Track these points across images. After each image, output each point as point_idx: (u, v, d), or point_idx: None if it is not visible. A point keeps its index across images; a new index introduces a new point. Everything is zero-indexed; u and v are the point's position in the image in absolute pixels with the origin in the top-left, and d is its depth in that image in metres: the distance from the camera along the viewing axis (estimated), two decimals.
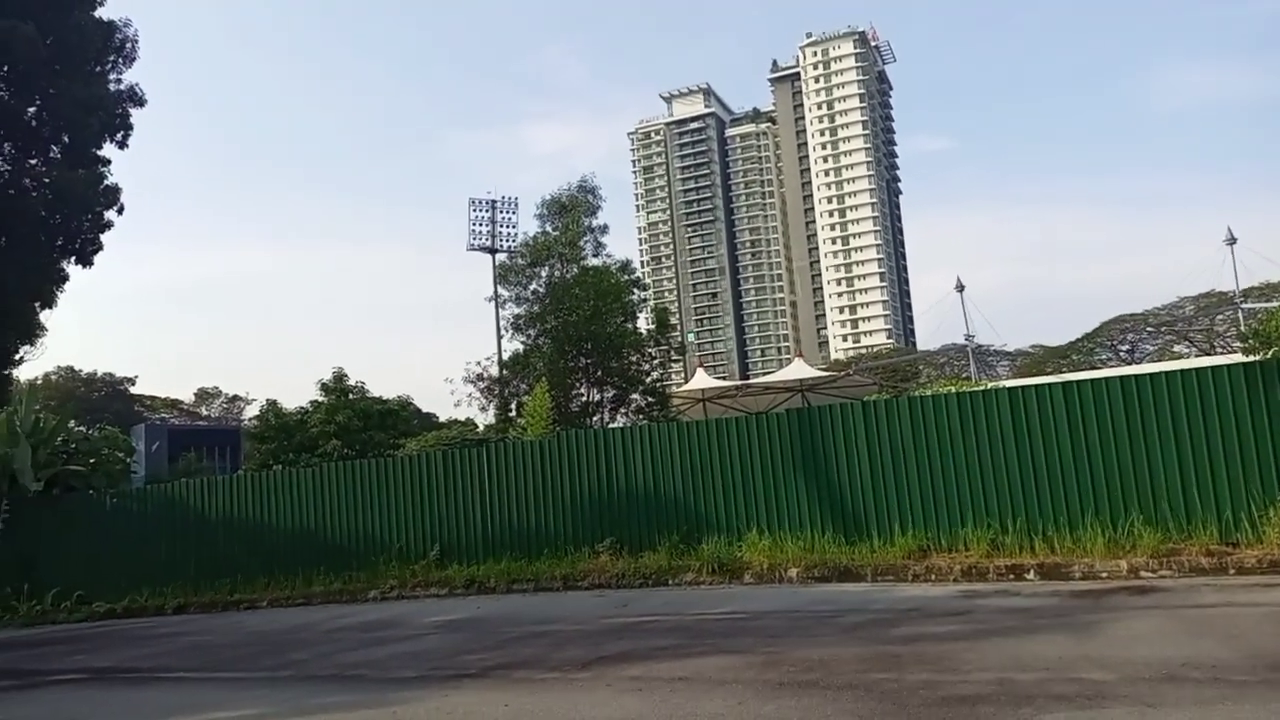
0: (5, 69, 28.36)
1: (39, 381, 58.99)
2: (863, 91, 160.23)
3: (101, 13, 32.33)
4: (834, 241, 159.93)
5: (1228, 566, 9.96)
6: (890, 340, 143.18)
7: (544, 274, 30.16)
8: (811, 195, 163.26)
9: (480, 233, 37.94)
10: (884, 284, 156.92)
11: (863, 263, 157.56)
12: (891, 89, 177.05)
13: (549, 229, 30.80)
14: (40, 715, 7.83)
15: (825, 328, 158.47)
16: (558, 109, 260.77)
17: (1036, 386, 12.49)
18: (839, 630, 8.30)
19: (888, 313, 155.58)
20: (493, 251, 36.61)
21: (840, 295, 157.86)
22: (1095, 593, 9.39)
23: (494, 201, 38.37)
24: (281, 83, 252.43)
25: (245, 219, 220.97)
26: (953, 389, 15.94)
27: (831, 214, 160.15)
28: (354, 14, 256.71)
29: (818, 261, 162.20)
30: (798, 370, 34.61)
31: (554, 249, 29.84)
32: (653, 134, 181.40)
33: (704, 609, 10.30)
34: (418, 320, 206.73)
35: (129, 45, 32.92)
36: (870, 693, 5.78)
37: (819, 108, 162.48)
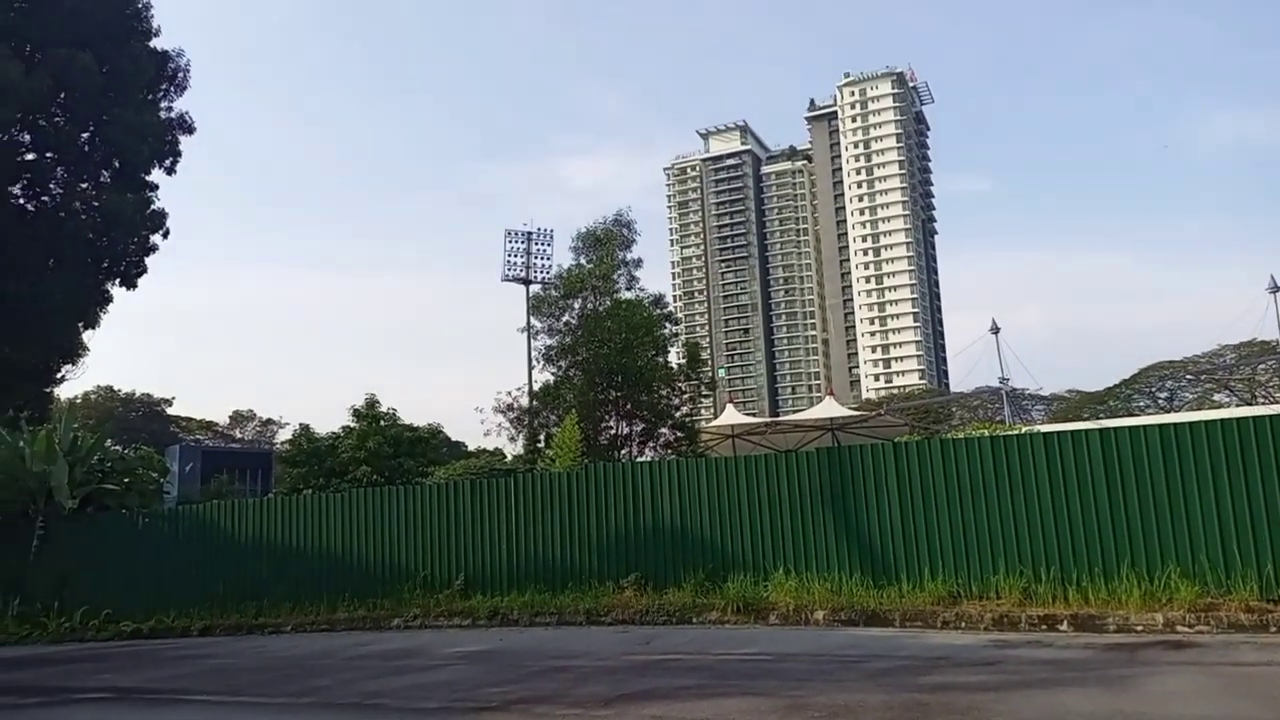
0: (62, 96, 29.34)
1: (78, 400, 60.19)
2: (900, 131, 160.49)
3: (156, 43, 33.41)
4: (868, 280, 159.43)
5: (1269, 624, 9.66)
6: (923, 381, 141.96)
7: (577, 306, 30.37)
8: (846, 234, 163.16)
9: (515, 264, 38.33)
10: (917, 324, 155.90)
11: (896, 302, 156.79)
12: (929, 129, 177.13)
13: (583, 261, 31.07)
14: None
15: (857, 366, 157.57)
16: (595, 143, 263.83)
17: (1073, 432, 12.27)
18: (865, 676, 8.14)
19: (920, 353, 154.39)
20: (527, 283, 36.93)
21: (873, 334, 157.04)
22: (1130, 646, 9.15)
23: (529, 233, 38.79)
24: (324, 114, 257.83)
25: (283, 246, 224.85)
26: (986, 432, 15.75)
27: (866, 253, 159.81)
28: (397, 46, 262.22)
29: (851, 300, 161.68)
30: (828, 409, 34.39)
31: (588, 281, 30.04)
32: (689, 170, 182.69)
33: (728, 649, 10.17)
34: (450, 349, 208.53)
35: (181, 74, 33.99)
36: None
37: (855, 146, 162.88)
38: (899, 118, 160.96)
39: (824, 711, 6.57)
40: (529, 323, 31.80)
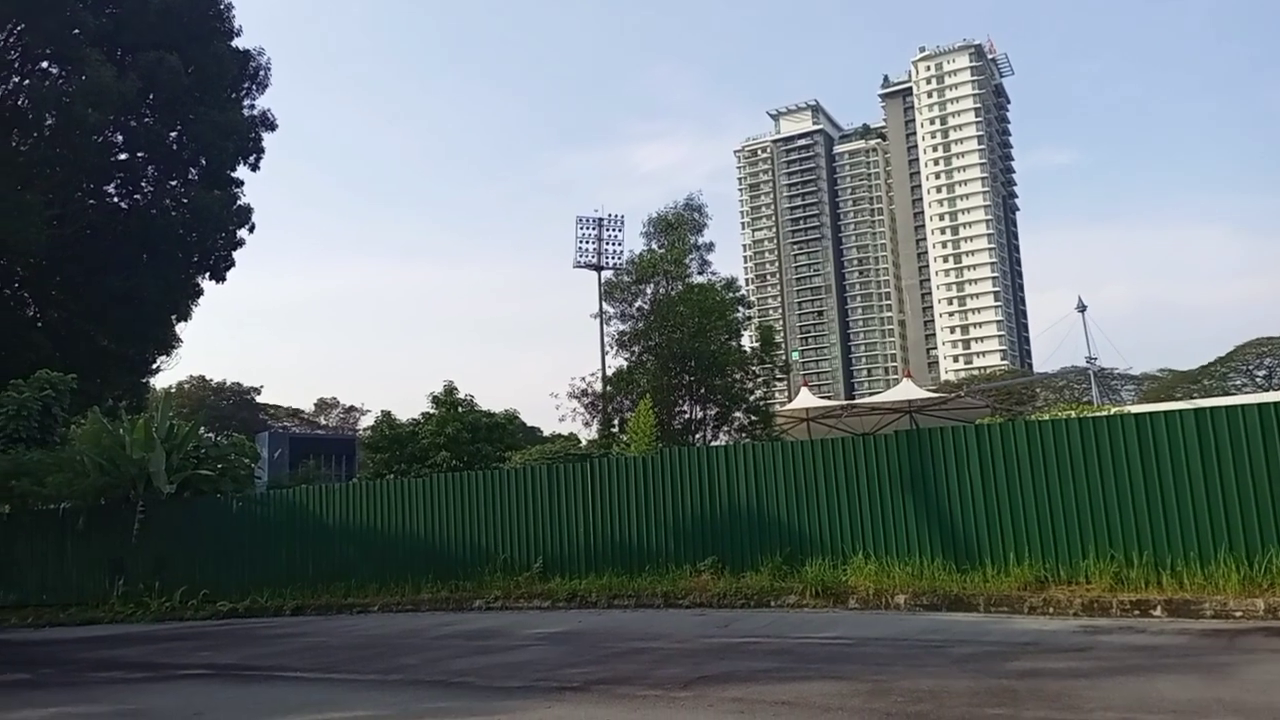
0: (151, 97, 30.52)
1: (173, 390, 62.69)
2: (978, 106, 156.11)
3: (237, 42, 34.47)
4: (946, 260, 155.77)
5: None
6: (1004, 362, 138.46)
7: (649, 291, 30.40)
8: (923, 212, 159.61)
9: (587, 250, 38.49)
10: (998, 303, 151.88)
11: (976, 281, 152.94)
12: (1009, 103, 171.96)
13: (655, 247, 31.07)
14: (171, 706, 8.26)
15: (935, 348, 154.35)
16: (665, 128, 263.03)
17: (1165, 412, 11.82)
18: (950, 661, 8.02)
19: (1002, 333, 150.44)
20: (598, 269, 37.07)
21: (951, 315, 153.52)
22: (1228, 633, 8.82)
23: (600, 219, 38.91)
24: (399, 107, 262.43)
25: (362, 238, 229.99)
26: (1073, 413, 15.28)
27: (944, 231, 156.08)
28: (471, 37, 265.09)
29: (928, 280, 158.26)
30: (906, 391, 33.77)
31: (659, 266, 30.04)
32: (759, 151, 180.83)
33: (807, 633, 10.12)
34: (524, 336, 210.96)
35: (262, 73, 35.05)
36: None
37: (932, 123, 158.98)
38: (977, 91, 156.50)
39: (908, 696, 6.50)
40: (601, 309, 31.96)
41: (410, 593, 16.07)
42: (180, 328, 36.13)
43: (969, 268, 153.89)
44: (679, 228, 30.85)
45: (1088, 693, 6.40)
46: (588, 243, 38.55)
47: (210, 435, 24.02)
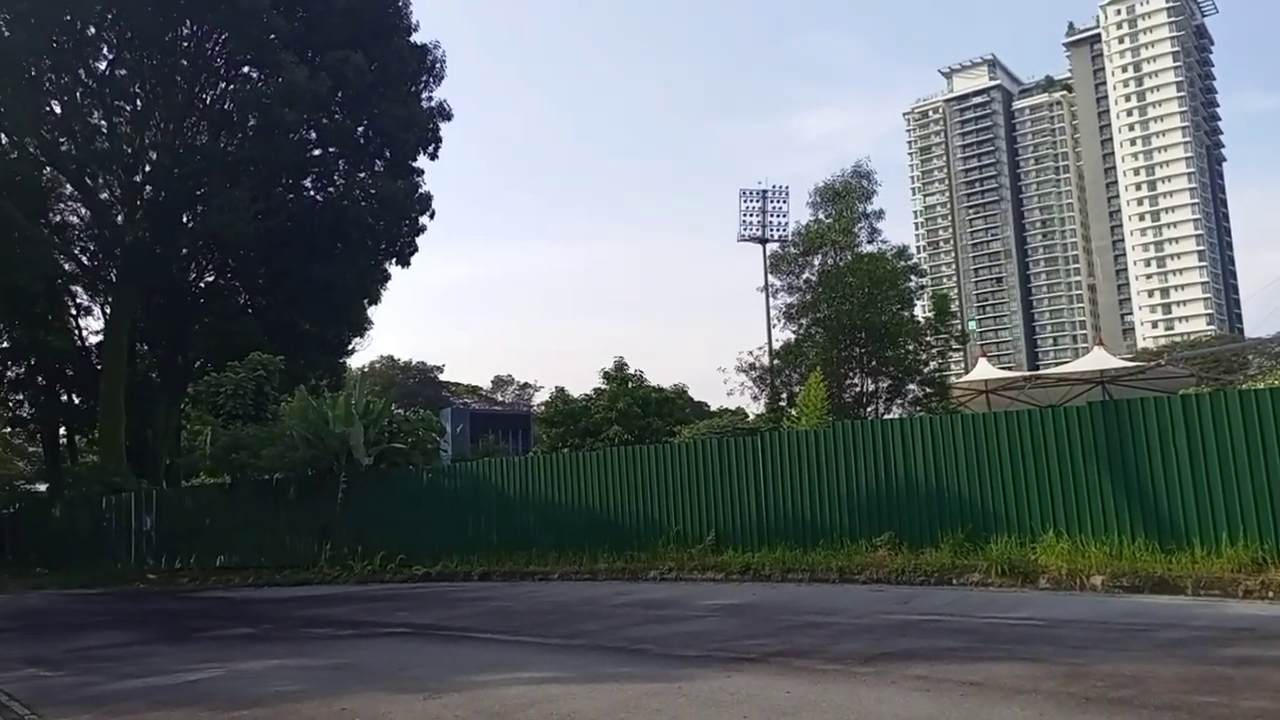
0: (340, 95, 32.56)
1: (366, 369, 67.10)
2: (1176, 49, 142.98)
3: (415, 37, 36.17)
4: (1141, 218, 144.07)
5: None
6: (1210, 327, 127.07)
7: (816, 262, 29.79)
8: (1114, 168, 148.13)
9: (751, 223, 38.19)
10: (1203, 263, 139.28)
11: (1177, 240, 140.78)
12: (1212, 44, 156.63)
13: (821, 217, 30.38)
14: (377, 661, 8.92)
15: (1130, 313, 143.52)
16: (830, 94, 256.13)
17: None
18: (1154, 645, 7.51)
19: (1207, 296, 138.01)
20: (763, 241, 36.72)
21: (1149, 278, 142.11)
22: None
23: (764, 191, 38.47)
24: (555, 85, 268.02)
25: (530, 220, 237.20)
26: None
27: (1138, 187, 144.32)
28: (628, 10, 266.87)
29: (1121, 240, 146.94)
30: (1098, 360, 31.62)
31: (827, 237, 29.37)
32: (930, 113, 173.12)
33: (994, 612, 9.73)
34: (689, 311, 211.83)
35: (438, 65, 36.67)
36: (1196, 716, 5.19)
37: (1123, 70, 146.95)
38: (1175, 34, 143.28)
39: (1108, 681, 6.13)
40: (767, 281, 31.63)
41: (587, 562, 16.58)
42: (371, 310, 38.68)
43: (1168, 225, 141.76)
44: (846, 196, 30.02)
45: None
46: (752, 215, 38.24)
47: (400, 411, 25.57)
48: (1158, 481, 11.62)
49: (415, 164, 36.08)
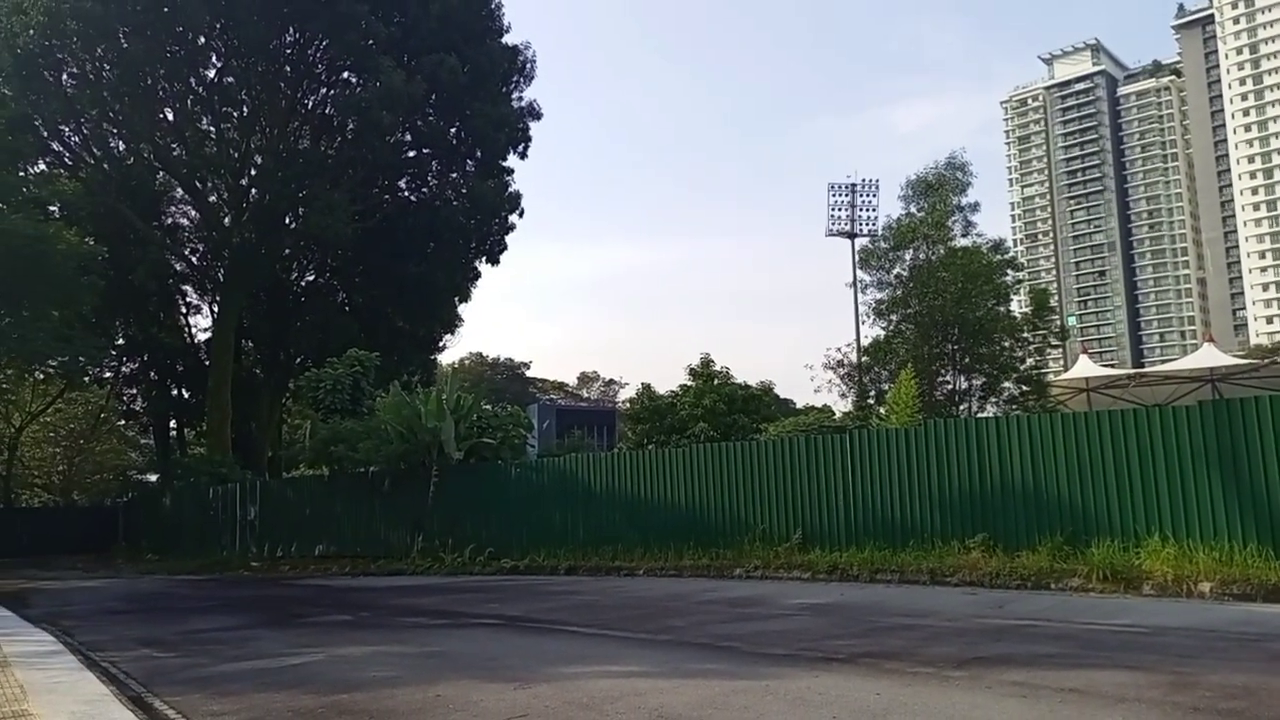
0: (433, 97, 33.35)
1: (456, 365, 68.58)
2: None
3: (506, 39, 36.76)
4: (1256, 208, 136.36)
5: None
6: None
7: (908, 257, 29.27)
8: (1227, 156, 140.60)
9: (839, 217, 37.69)
10: None
11: None
12: None
13: (914, 210, 29.82)
14: (469, 650, 9.13)
15: (1242, 309, 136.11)
16: (924, 85, 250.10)
17: None
18: (1268, 657, 7.14)
19: None
20: (852, 236, 36.21)
21: (1264, 270, 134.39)
22: None
23: (854, 185, 37.91)
24: (646, 79, 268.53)
25: (613, 216, 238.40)
26: None
27: (1254, 175, 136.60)
28: (710, 3, 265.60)
29: (1234, 232, 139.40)
30: (1208, 357, 30.17)
31: (919, 231, 28.81)
32: (1029, 100, 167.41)
33: (1094, 619, 9.39)
34: (775, 307, 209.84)
35: (528, 66, 37.23)
36: None
37: (1238, 53, 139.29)
38: None
39: (1217, 692, 5.86)
40: (855, 277, 31.20)
41: (673, 559, 16.62)
42: (461, 308, 39.56)
43: None
44: (939, 189, 29.36)
45: None
46: (841, 210, 37.74)
47: (489, 407, 26.09)
48: (1273, 485, 11.03)
49: (505, 163, 36.75)
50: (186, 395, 40.06)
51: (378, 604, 14.36)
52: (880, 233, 32.47)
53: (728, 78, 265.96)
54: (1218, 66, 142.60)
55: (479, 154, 35.94)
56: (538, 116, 36.97)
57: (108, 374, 39.11)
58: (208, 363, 36.09)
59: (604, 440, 48.27)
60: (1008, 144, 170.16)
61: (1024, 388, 28.25)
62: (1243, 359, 40.51)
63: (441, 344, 41.72)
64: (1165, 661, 6.99)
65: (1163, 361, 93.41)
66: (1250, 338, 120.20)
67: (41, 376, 34.75)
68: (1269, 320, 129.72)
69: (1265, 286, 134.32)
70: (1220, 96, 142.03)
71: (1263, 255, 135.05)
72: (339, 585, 18.78)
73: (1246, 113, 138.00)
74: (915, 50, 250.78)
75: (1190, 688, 6.01)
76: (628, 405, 41.81)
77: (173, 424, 42.07)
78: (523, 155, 36.68)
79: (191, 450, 39.87)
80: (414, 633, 10.81)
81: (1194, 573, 10.82)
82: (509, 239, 37.31)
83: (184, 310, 39.72)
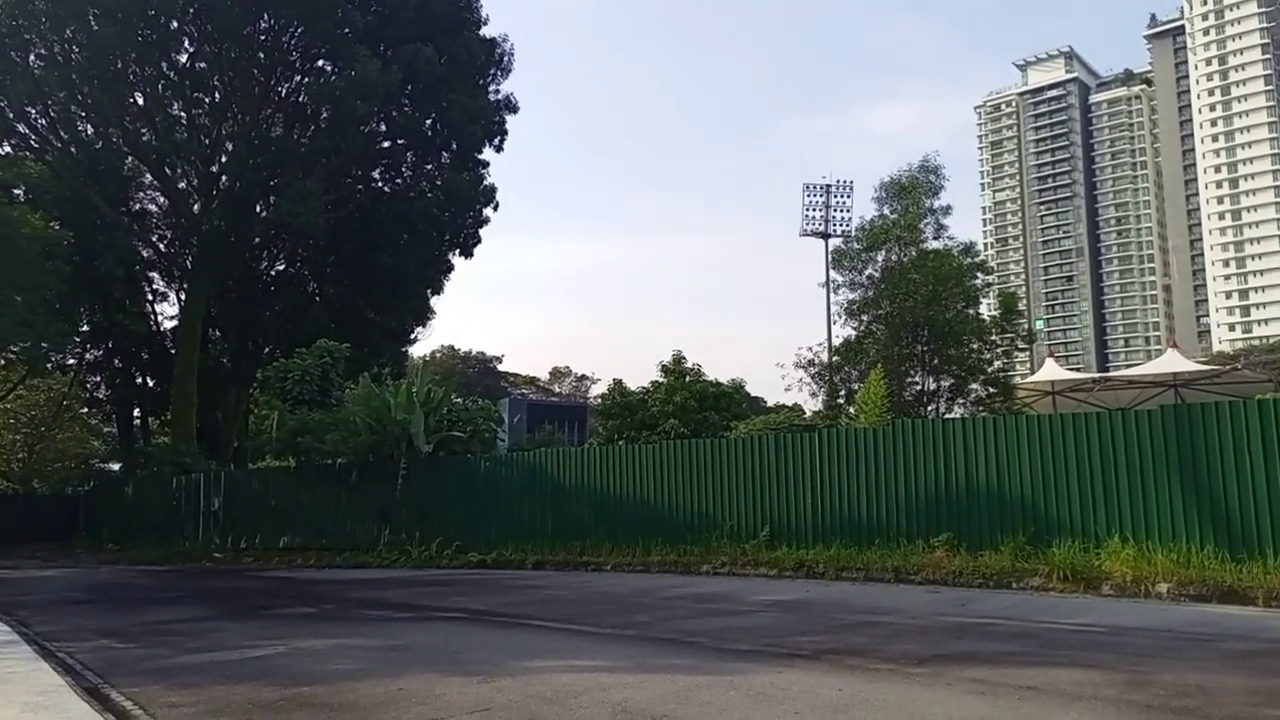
0: (409, 87, 33.08)
1: (427, 358, 68.11)
2: (1266, 41, 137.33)
3: (484, 30, 36.56)
4: (1221, 217, 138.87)
5: None
6: None
7: (880, 258, 29.43)
8: (1194, 165, 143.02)
9: (814, 218, 37.85)
10: None
11: (1258, 240, 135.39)
12: None
13: (886, 212, 29.99)
14: (433, 644, 9.09)
15: (1206, 315, 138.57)
16: (899, 87, 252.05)
17: None
18: (1221, 656, 7.28)
19: None
20: (826, 236, 36.37)
21: (1228, 279, 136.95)
22: None
23: (828, 186, 38.09)
24: (626, 77, 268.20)
25: (590, 211, 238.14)
26: None
27: (1220, 184, 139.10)
28: (690, 3, 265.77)
29: (1199, 240, 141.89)
30: (1171, 363, 30.68)
31: (891, 232, 28.99)
32: (1003, 106, 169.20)
33: (1055, 618, 9.53)
34: (749, 306, 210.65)
35: (506, 59, 37.06)
36: None
37: (1207, 64, 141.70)
38: (1265, 25, 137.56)
39: (1171, 690, 5.97)
40: (828, 277, 31.34)
41: (640, 554, 16.65)
42: (434, 300, 39.29)
43: (1250, 225, 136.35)
44: (913, 191, 29.56)
45: None
46: (815, 210, 37.91)
47: (459, 400, 25.96)
48: (1230, 489, 11.25)
49: (481, 156, 36.56)
50: (151, 384, 39.49)
51: (342, 596, 14.25)
52: (853, 234, 32.64)
53: (705, 78, 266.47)
54: (1187, 76, 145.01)
55: (454, 146, 35.71)
56: (514, 110, 36.85)
57: (71, 360, 38.43)
58: (174, 351, 35.60)
59: (575, 435, 48.25)
60: (981, 148, 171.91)
61: (991, 390, 28.53)
62: (1205, 365, 41.19)
63: (413, 336, 41.47)
64: (1122, 660, 7.11)
65: (1127, 366, 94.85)
66: (1213, 344, 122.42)
67: (3, 362, 34.11)
68: (1231, 328, 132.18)
69: (1229, 294, 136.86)
70: (1189, 106, 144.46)
71: (1227, 264, 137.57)
72: (303, 577, 18.62)
73: (1214, 123, 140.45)
74: (893, 53, 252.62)
75: (1145, 686, 6.11)
76: (599, 401, 41.76)
77: (136, 412, 41.44)
78: (498, 148, 36.54)
79: (155, 439, 39.30)
80: (378, 626, 10.74)
81: (1152, 574, 11.01)
82: (483, 232, 37.15)
83: (150, 297, 39.13)
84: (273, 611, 12.63)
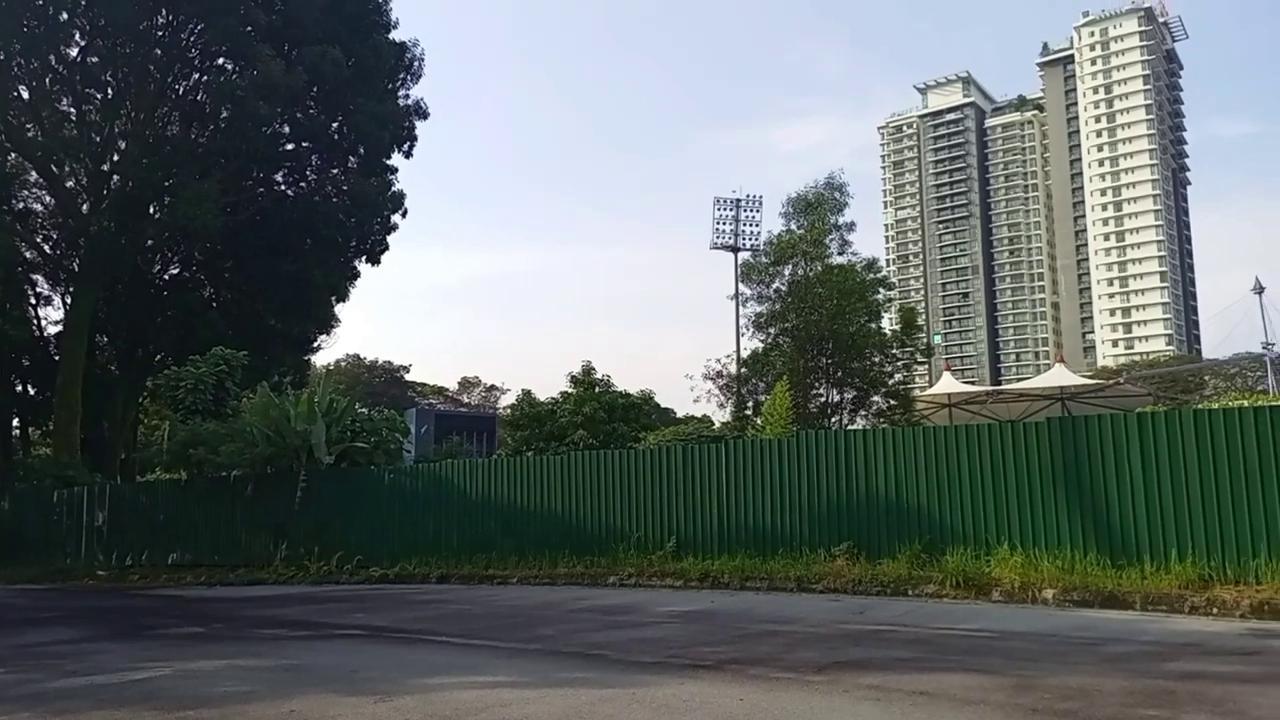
0: (315, 89, 32.26)
1: (331, 367, 66.43)
2: (1147, 73, 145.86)
3: (394, 34, 35.94)
4: (1107, 238, 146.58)
5: None
6: (1170, 347, 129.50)
7: (787, 272, 29.98)
8: (1082, 188, 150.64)
9: (724, 231, 38.35)
10: (1164, 284, 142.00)
11: (1140, 260, 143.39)
12: (1182, 69, 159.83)
13: (794, 227, 30.59)
14: (329, 663, 8.82)
15: (1092, 332, 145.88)
16: (808, 105, 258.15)
17: None
18: (1101, 659, 7.63)
19: (1168, 316, 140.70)
20: (735, 250, 36.88)
21: (1112, 297, 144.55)
22: None
23: (739, 200, 38.67)
24: (538, 86, 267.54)
25: (501, 221, 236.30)
26: (1246, 403, 14.13)
27: (1105, 208, 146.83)
28: (613, 13, 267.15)
29: (1086, 260, 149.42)
30: (1059, 377, 32.14)
31: (798, 247, 29.58)
32: (905, 127, 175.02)
33: (948, 624, 9.83)
34: (660, 317, 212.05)
35: (416, 64, 36.49)
36: None
37: (1094, 92, 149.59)
38: (1146, 58, 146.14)
39: (1055, 693, 6.23)
40: (738, 290, 31.79)
41: (547, 566, 16.52)
42: (339, 308, 38.33)
43: (1133, 246, 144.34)
44: (819, 207, 30.26)
45: (1255, 698, 5.98)
46: (725, 224, 38.41)
47: (364, 410, 25.34)
48: (1111, 498, 11.81)
49: (389, 162, 35.84)
50: (33, 392, 37.35)
51: (234, 615, 13.72)
52: (762, 248, 33.22)
53: (620, 91, 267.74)
54: (1076, 104, 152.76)
55: (362, 150, 34.95)
56: (424, 116, 36.27)
57: None
58: (57, 358, 33.77)
59: (484, 446, 47.59)
60: (883, 168, 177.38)
61: (891, 402, 29.32)
62: (1090, 379, 43.29)
63: (316, 345, 40.32)
64: (1010, 665, 7.38)
65: (1018, 379, 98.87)
66: (1098, 359, 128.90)
67: None
68: (1114, 344, 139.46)
69: (1112, 312, 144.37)
70: (1078, 132, 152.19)
71: (1111, 283, 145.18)
72: (193, 595, 17.87)
73: (1100, 148, 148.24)
74: (803, 70, 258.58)
75: (1031, 690, 6.36)
76: (508, 411, 41.37)
77: (16, 422, 39.15)
78: (408, 154, 35.91)
79: (36, 451, 37.22)
80: (271, 645, 10.37)
81: (1039, 580, 11.46)
82: (391, 239, 36.43)
83: (33, 301, 36.98)
84: (158, 631, 12.07)
